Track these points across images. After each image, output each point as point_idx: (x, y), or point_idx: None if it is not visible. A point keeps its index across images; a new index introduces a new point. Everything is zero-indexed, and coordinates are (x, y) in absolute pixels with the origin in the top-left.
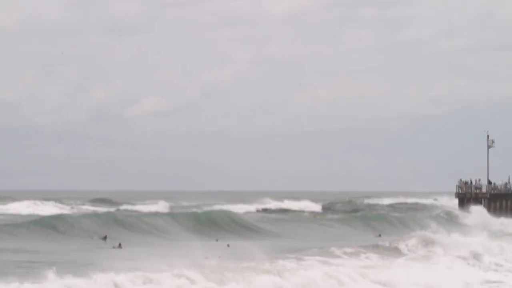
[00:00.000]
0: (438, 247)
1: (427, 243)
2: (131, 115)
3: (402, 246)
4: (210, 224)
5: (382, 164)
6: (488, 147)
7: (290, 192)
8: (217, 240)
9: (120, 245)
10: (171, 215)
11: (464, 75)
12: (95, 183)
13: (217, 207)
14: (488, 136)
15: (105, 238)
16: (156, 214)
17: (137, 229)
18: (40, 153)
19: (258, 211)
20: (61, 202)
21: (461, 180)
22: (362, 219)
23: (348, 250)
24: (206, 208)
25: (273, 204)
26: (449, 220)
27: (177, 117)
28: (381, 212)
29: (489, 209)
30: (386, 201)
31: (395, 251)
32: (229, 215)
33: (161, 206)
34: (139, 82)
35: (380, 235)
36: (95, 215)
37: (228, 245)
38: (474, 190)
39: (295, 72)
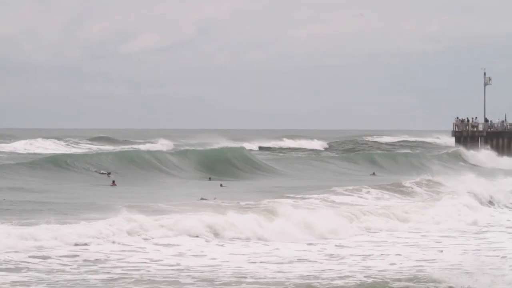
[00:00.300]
0: (444, 188)
1: (435, 183)
2: (128, 51)
3: (416, 188)
4: (223, 163)
5: (378, 101)
6: (485, 84)
7: (288, 131)
8: (210, 178)
9: (114, 182)
10: (184, 153)
11: (462, 11)
12: (91, 120)
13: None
14: (485, 74)
15: (109, 174)
16: (170, 152)
17: (148, 167)
18: (37, 89)
19: (261, 149)
20: (62, 140)
21: (457, 118)
22: (377, 157)
23: (374, 192)
24: (215, 146)
25: (273, 143)
26: (457, 159)
27: (173, 53)
28: (393, 152)
29: (485, 147)
30: (387, 139)
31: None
32: (242, 153)
33: (165, 145)
34: (136, 18)
35: (374, 173)
36: (111, 153)
37: (221, 185)
38: (470, 128)
39: (290, 8)
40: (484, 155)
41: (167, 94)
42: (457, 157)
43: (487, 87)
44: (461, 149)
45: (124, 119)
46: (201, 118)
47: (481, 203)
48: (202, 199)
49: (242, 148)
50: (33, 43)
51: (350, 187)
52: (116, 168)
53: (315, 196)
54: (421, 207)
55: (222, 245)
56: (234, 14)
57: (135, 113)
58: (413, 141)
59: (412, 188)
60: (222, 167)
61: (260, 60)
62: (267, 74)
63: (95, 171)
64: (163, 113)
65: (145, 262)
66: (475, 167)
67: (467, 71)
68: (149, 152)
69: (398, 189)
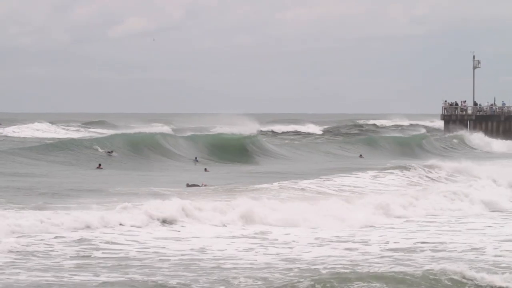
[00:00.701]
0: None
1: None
2: (115, 35)
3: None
4: (237, 148)
5: (365, 85)
6: (474, 67)
7: (276, 115)
8: (196, 159)
9: (100, 165)
10: (192, 138)
11: None
12: (78, 104)
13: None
14: (474, 57)
15: (111, 152)
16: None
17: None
18: (23, 73)
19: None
20: (62, 124)
21: (445, 101)
22: (380, 142)
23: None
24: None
25: (267, 127)
26: (460, 143)
27: (161, 37)
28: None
29: (474, 131)
30: (382, 123)
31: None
32: (253, 140)
33: (165, 129)
34: (123, 2)
35: (361, 155)
36: (123, 134)
37: (205, 169)
38: (459, 112)
39: None
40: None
41: (154, 78)
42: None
43: (476, 70)
44: (465, 133)
45: (111, 103)
46: (189, 102)
47: None
48: (190, 185)
49: (257, 135)
50: (19, 27)
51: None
52: (128, 151)
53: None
54: None
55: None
56: None
57: (122, 97)
58: (410, 125)
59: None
60: (237, 152)
61: (248, 44)
62: (254, 58)
63: (106, 151)
64: (150, 97)
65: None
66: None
67: (456, 54)
68: (162, 134)
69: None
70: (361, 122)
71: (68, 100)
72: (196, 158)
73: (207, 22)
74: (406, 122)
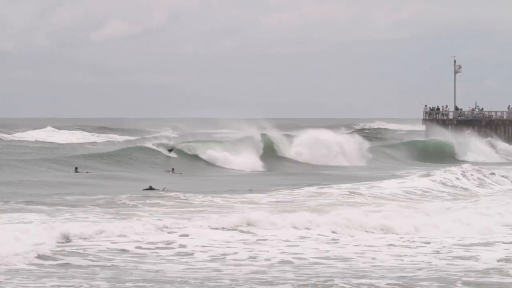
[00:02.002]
0: None
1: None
2: (98, 39)
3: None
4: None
5: (348, 90)
6: (455, 72)
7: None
8: (171, 150)
9: (76, 169)
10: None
11: None
12: (62, 109)
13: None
14: (455, 61)
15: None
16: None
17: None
18: (7, 78)
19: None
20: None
21: (426, 106)
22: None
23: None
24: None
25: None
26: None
27: (144, 41)
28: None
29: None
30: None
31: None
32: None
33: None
34: (106, 5)
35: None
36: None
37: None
38: (441, 117)
39: None
40: None
41: (137, 82)
42: None
43: (457, 75)
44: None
45: (95, 107)
46: (173, 106)
47: None
48: (150, 188)
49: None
50: (2, 31)
51: None
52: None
53: None
54: None
55: None
56: (203, 2)
57: (106, 101)
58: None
59: None
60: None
61: (231, 48)
62: (237, 61)
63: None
64: (133, 101)
65: None
66: None
67: (437, 58)
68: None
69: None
70: (358, 126)
71: (52, 104)
72: None
73: (190, 26)
74: (393, 127)
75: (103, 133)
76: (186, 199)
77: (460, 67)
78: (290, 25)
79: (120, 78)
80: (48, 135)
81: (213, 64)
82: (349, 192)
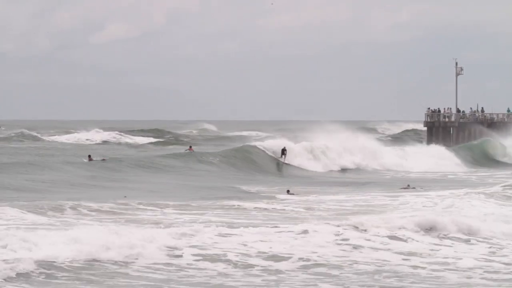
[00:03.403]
0: None
1: None
2: (98, 41)
3: None
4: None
5: (349, 92)
6: (457, 74)
7: (263, 122)
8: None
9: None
10: None
11: (432, 0)
12: (62, 111)
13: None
14: (456, 64)
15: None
16: None
17: None
18: (6, 80)
19: None
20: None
21: (429, 108)
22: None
23: None
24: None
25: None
26: None
27: (144, 43)
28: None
29: (457, 137)
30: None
31: None
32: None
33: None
34: (105, 7)
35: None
36: None
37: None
38: (442, 119)
39: None
40: None
41: (136, 84)
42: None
43: (459, 77)
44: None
45: (94, 109)
46: (172, 109)
47: None
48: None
49: None
50: (1, 34)
51: None
52: None
53: None
54: None
55: None
56: (203, 4)
57: (106, 103)
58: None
59: None
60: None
61: (230, 50)
62: (237, 63)
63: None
64: (133, 102)
65: None
66: None
67: (439, 61)
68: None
69: None
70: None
71: (51, 107)
72: None
73: (190, 28)
74: (396, 129)
75: (139, 135)
76: None
77: (462, 69)
78: (290, 27)
79: (120, 80)
80: (101, 136)
81: (212, 66)
82: None
